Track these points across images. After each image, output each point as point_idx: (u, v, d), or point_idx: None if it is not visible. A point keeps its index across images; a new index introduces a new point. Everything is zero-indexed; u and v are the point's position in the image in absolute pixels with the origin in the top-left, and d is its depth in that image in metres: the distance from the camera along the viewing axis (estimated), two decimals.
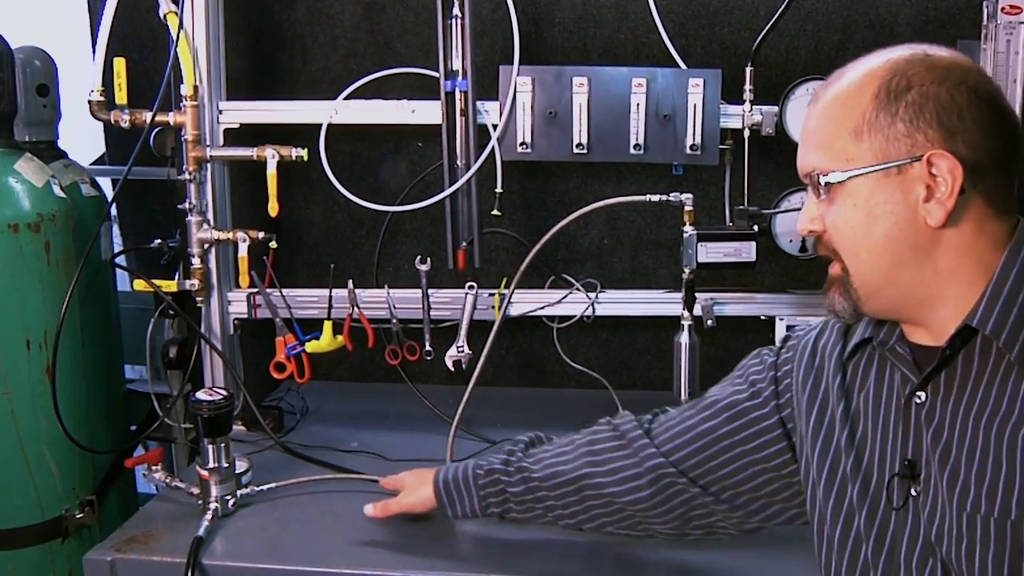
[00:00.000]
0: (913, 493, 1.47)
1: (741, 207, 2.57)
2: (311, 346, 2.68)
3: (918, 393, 1.47)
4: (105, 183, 2.95)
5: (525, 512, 1.99)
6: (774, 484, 1.75)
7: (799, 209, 2.57)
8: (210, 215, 2.65)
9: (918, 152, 1.40)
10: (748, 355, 1.85)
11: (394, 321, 2.73)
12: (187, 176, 2.59)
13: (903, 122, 1.41)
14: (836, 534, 1.56)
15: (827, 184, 1.47)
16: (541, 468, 1.96)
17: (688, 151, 2.59)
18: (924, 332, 1.49)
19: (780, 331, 2.66)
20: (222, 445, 2.19)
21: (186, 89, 2.56)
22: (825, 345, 1.68)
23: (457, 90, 2.59)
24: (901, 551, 1.47)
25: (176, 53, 2.53)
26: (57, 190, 2.48)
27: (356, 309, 2.69)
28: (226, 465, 2.20)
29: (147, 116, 2.54)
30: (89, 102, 2.53)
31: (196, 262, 2.64)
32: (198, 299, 2.67)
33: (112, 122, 2.54)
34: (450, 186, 2.63)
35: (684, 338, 2.33)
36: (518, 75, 2.60)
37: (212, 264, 2.68)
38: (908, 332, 1.52)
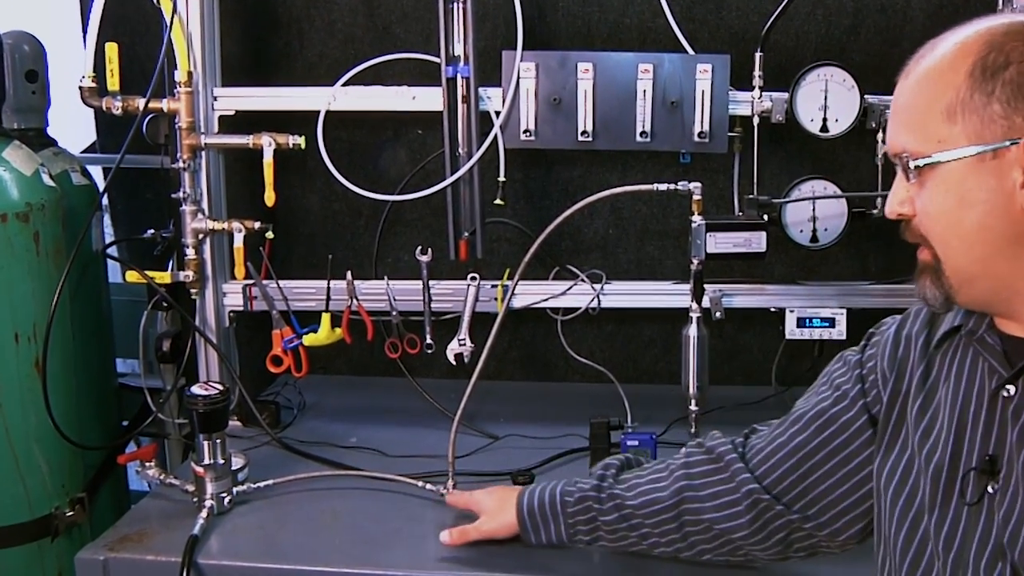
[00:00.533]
0: (990, 491, 1.41)
1: (751, 196, 2.56)
2: (309, 339, 2.67)
3: (1007, 386, 1.41)
4: (96, 172, 2.94)
5: (617, 540, 1.95)
6: (864, 488, 1.69)
7: (810, 198, 2.61)
8: (205, 204, 2.64)
9: (1015, 135, 1.33)
10: (832, 360, 1.80)
11: (394, 313, 2.73)
12: (181, 164, 2.58)
13: (1000, 103, 1.33)
14: (902, 533, 1.51)
15: (917, 168, 1.40)
16: (636, 495, 1.91)
17: (696, 139, 2.58)
18: (1017, 324, 1.43)
19: (790, 324, 2.66)
20: (217, 441, 2.18)
21: (180, 75, 2.55)
22: (909, 334, 1.63)
23: (459, 76, 2.59)
24: (970, 551, 1.42)
25: (170, 38, 2.52)
26: (47, 179, 2.47)
27: (355, 301, 2.69)
28: (222, 461, 2.19)
29: (140, 103, 2.53)
30: (80, 88, 2.53)
31: (190, 253, 2.63)
32: (192, 291, 2.67)
33: (104, 109, 2.53)
34: (451, 175, 2.63)
35: (692, 331, 2.32)
36: (521, 61, 2.59)
37: (207, 255, 2.67)
38: (1000, 323, 1.46)
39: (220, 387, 2.19)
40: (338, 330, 2.69)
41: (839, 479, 1.71)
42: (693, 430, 2.32)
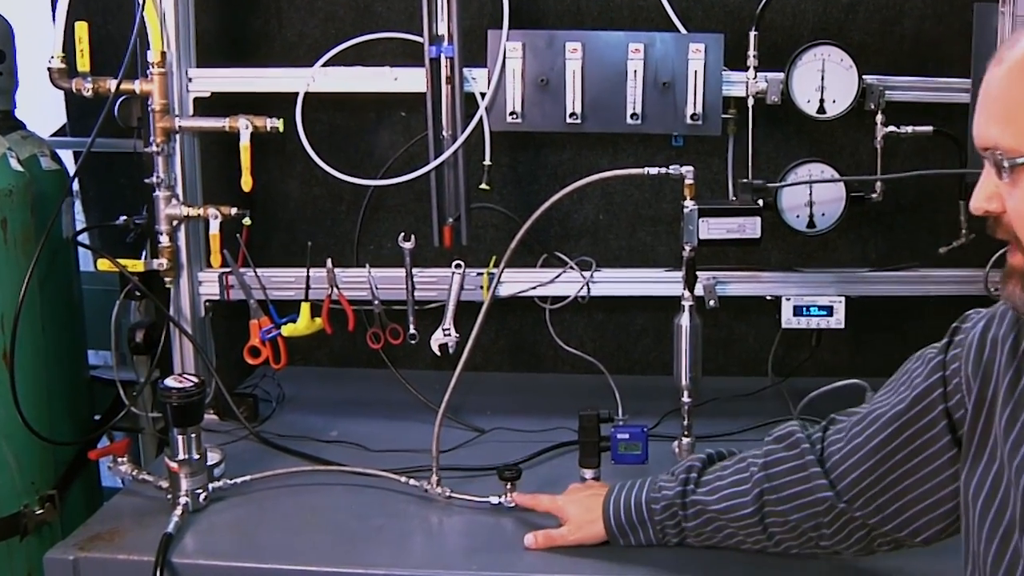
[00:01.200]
0: None
1: (745, 180, 2.56)
2: (287, 329, 2.67)
3: None
4: (66, 156, 2.91)
5: (706, 540, 1.97)
6: (957, 498, 1.62)
7: (807, 182, 2.60)
8: (179, 190, 2.62)
9: None
10: (910, 357, 1.76)
11: (376, 302, 2.72)
12: (154, 148, 2.57)
13: None
14: (991, 550, 1.45)
15: (1012, 166, 1.33)
16: (718, 500, 1.91)
17: (689, 121, 2.58)
18: None
19: (787, 312, 2.66)
20: (193, 435, 2.16)
21: (153, 55, 2.54)
22: (996, 337, 1.55)
23: (443, 56, 2.58)
24: None
25: (142, 16, 2.50)
26: (14, 163, 2.45)
27: (335, 290, 2.69)
28: (197, 457, 2.18)
29: (111, 84, 2.51)
30: (49, 69, 2.51)
31: (164, 240, 2.62)
32: (167, 280, 2.65)
33: (74, 91, 2.52)
34: (435, 158, 2.62)
35: (685, 320, 2.31)
36: (507, 40, 2.59)
37: (181, 242, 2.66)
38: None
39: (195, 379, 2.17)
40: (318, 320, 2.68)
41: (916, 484, 1.67)
42: (686, 422, 2.32)
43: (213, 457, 2.30)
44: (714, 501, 1.91)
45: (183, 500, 2.16)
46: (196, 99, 2.64)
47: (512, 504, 2.17)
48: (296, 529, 2.14)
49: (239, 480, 2.27)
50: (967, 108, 2.56)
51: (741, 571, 1.95)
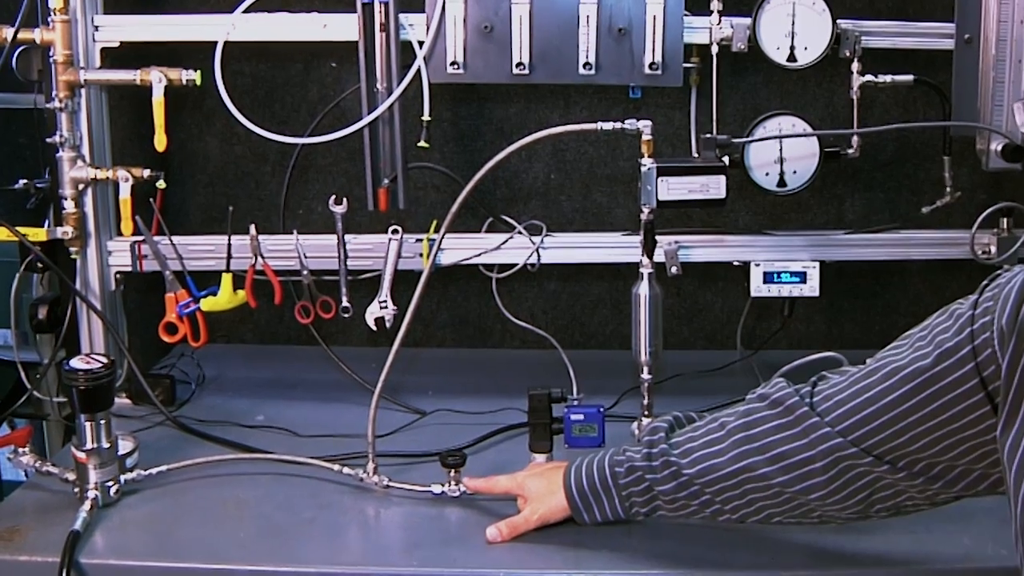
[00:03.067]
0: None
1: (709, 135, 2.55)
2: (207, 304, 2.66)
3: None
4: None
5: (678, 510, 1.95)
6: (977, 451, 1.65)
7: (775, 137, 2.60)
8: (85, 150, 2.61)
9: None
10: (935, 313, 1.74)
11: (305, 272, 2.71)
12: (57, 104, 2.54)
13: None
14: None
15: None
16: (691, 461, 1.89)
17: (647, 71, 2.57)
18: None
19: (756, 279, 2.66)
20: (102, 422, 2.14)
21: (54, 1, 2.50)
22: None
23: (376, 1, 2.56)
24: None
25: None
26: None
27: (260, 259, 2.67)
28: (107, 445, 2.15)
29: (8, 33, 2.48)
30: None
31: (69, 206, 2.60)
32: (72, 250, 2.63)
33: None
34: (369, 113, 2.60)
35: (644, 289, 2.31)
36: None
37: (88, 208, 2.64)
38: None
39: (105, 360, 2.15)
40: (241, 292, 2.67)
41: (936, 439, 1.67)
42: (646, 401, 2.31)
43: (125, 446, 2.27)
44: (687, 463, 1.89)
45: (92, 494, 2.13)
46: (103, 49, 2.61)
47: (457, 493, 2.17)
48: (218, 524, 2.13)
49: (154, 471, 2.25)
50: (951, 55, 2.56)
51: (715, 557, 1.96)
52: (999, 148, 2.53)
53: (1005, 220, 2.65)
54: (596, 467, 2.00)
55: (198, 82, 2.56)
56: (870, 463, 1.74)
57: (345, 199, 2.65)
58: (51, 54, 2.53)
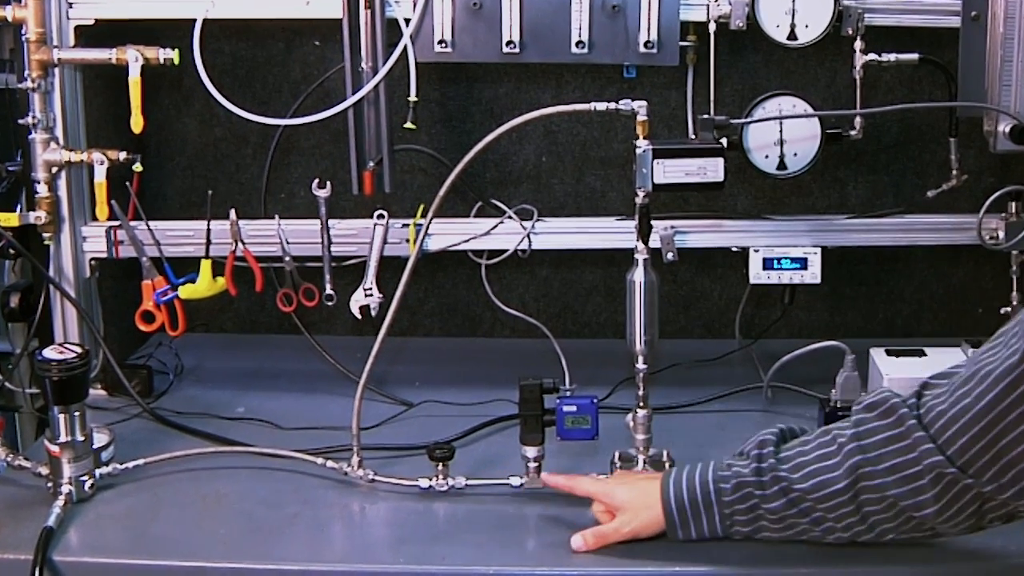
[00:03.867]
0: None
1: (706, 116, 2.55)
2: (185, 291, 2.65)
3: None
4: None
5: (784, 529, 1.92)
6: None
7: (776, 118, 2.59)
8: (59, 132, 2.61)
9: None
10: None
11: (287, 259, 2.71)
12: (30, 84, 2.54)
13: None
14: None
15: None
16: (803, 476, 1.87)
17: (642, 49, 2.57)
18: None
19: (756, 265, 2.66)
20: (76, 414, 2.14)
21: None
22: None
23: None
24: None
25: None
26: None
27: (240, 245, 2.67)
28: (82, 439, 2.15)
29: None
30: None
31: (42, 190, 2.60)
32: (45, 235, 2.63)
33: None
34: (354, 94, 2.60)
35: (639, 275, 2.29)
36: None
37: (62, 192, 2.64)
38: None
39: (79, 350, 2.15)
40: (221, 280, 2.67)
41: None
42: (641, 392, 2.30)
43: (100, 439, 2.27)
44: (799, 478, 1.87)
45: (66, 489, 2.13)
46: (78, 27, 2.61)
47: (445, 487, 2.17)
48: (197, 520, 2.13)
49: (131, 465, 2.25)
50: (957, 33, 2.56)
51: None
52: (1007, 129, 2.53)
53: (1013, 204, 2.65)
54: (699, 481, 1.96)
55: (176, 61, 2.56)
56: (971, 483, 1.73)
57: (329, 183, 2.65)
58: (23, 32, 2.53)
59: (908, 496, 1.79)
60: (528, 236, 2.70)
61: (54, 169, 2.59)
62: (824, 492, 1.85)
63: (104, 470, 2.21)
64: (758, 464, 1.91)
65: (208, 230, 2.65)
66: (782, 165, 2.64)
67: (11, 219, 2.56)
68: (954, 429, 1.72)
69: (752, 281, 2.68)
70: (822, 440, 1.89)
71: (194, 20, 2.59)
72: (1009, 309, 2.70)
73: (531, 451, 2.22)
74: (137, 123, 2.55)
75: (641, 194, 2.22)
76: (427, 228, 2.49)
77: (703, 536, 1.96)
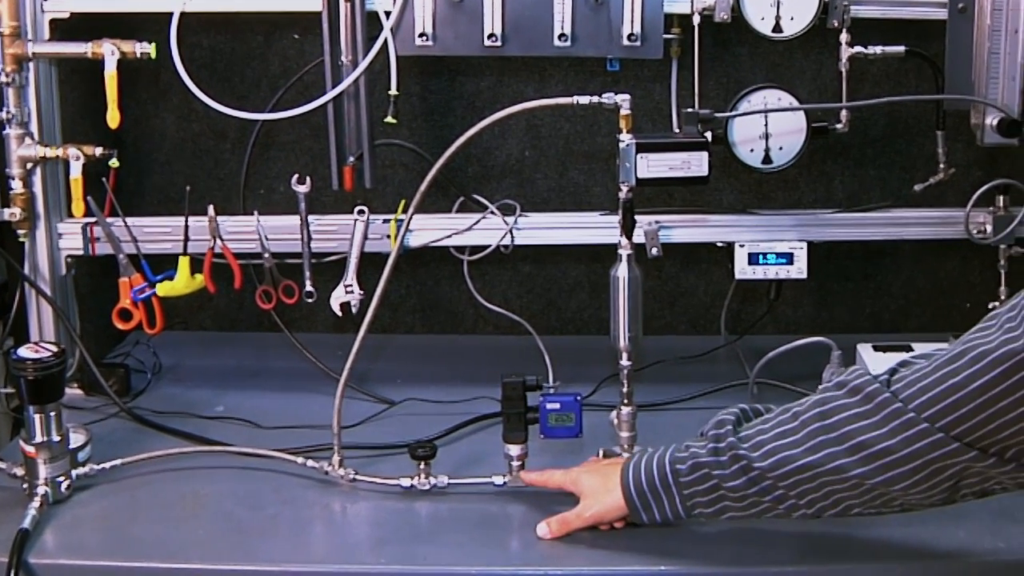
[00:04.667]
0: None
1: (691, 110, 2.55)
2: (163, 288, 2.65)
3: None
4: None
5: (747, 508, 1.91)
6: None
7: (760, 111, 2.59)
8: (34, 127, 2.60)
9: None
10: (1019, 293, 1.71)
11: (266, 256, 2.70)
12: (4, 79, 2.53)
13: None
14: None
15: None
16: (763, 454, 1.86)
17: (625, 42, 2.58)
18: None
19: (741, 261, 2.66)
20: (52, 414, 2.13)
21: None
22: None
23: None
24: None
25: None
26: None
27: (219, 242, 2.67)
28: (58, 439, 2.15)
29: None
30: None
31: (17, 186, 2.59)
32: (20, 232, 2.63)
33: None
34: (333, 88, 2.60)
35: (622, 271, 2.29)
36: None
37: (37, 188, 2.63)
38: None
39: (55, 348, 2.14)
40: (199, 277, 2.66)
41: None
42: (625, 389, 2.30)
43: (77, 439, 2.26)
44: (759, 456, 1.86)
45: (41, 490, 2.13)
46: (53, 20, 2.60)
47: (426, 486, 2.16)
48: (176, 521, 2.12)
49: (108, 465, 2.24)
50: (944, 26, 2.56)
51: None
52: (995, 122, 2.53)
53: (1001, 198, 2.66)
54: (656, 464, 1.97)
55: (153, 55, 2.55)
56: (957, 449, 1.70)
57: (308, 178, 2.64)
58: None
59: (876, 473, 1.76)
60: (511, 232, 2.70)
61: (29, 165, 2.58)
62: (785, 469, 1.83)
63: (81, 471, 2.20)
64: (715, 444, 1.90)
65: (186, 226, 2.64)
66: (767, 159, 2.64)
67: None
68: (943, 402, 1.69)
69: (738, 276, 2.69)
70: (782, 418, 1.88)
71: (171, 13, 2.58)
72: (997, 304, 2.70)
73: (514, 449, 2.21)
74: (114, 118, 2.54)
75: (625, 189, 2.22)
76: (408, 224, 2.47)
77: (667, 518, 1.97)
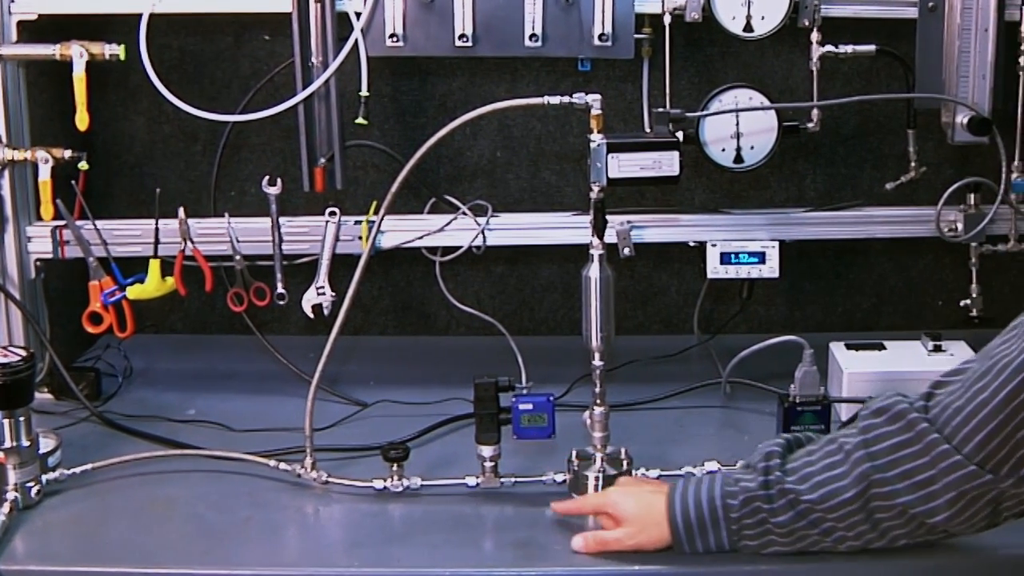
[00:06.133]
0: None
1: (662, 110, 2.55)
2: (134, 291, 2.63)
3: None
4: None
5: (794, 542, 1.90)
6: None
7: (732, 111, 2.59)
8: (1, 130, 2.59)
9: None
10: None
11: (237, 258, 2.70)
12: None
13: None
14: None
15: None
16: (811, 487, 1.86)
17: (596, 42, 2.58)
18: None
19: (713, 260, 2.66)
20: (21, 419, 2.12)
21: None
22: None
23: None
24: None
25: None
26: None
27: (189, 244, 2.66)
28: (27, 444, 2.14)
29: None
30: None
31: None
32: None
33: None
34: (304, 89, 2.59)
35: (594, 271, 2.29)
36: None
37: (5, 191, 2.62)
38: None
39: (24, 353, 2.13)
40: (170, 279, 2.65)
41: None
42: (598, 389, 2.30)
43: (47, 443, 2.26)
44: (806, 489, 1.86)
45: (11, 495, 2.12)
46: (20, 22, 2.59)
47: (399, 488, 2.16)
48: (147, 525, 2.12)
49: (78, 470, 2.24)
50: (914, 24, 2.57)
51: None
52: (965, 120, 2.55)
53: (972, 196, 2.67)
54: (706, 497, 1.95)
55: (122, 57, 2.54)
56: (991, 481, 1.73)
57: (279, 179, 2.64)
58: None
59: (919, 503, 1.79)
60: (483, 232, 2.70)
61: None
62: (833, 502, 1.84)
63: (51, 476, 2.20)
64: (765, 477, 1.90)
65: (156, 229, 2.63)
66: (739, 158, 2.64)
67: None
68: (971, 425, 1.71)
69: (710, 276, 2.69)
70: (828, 449, 1.88)
71: (140, 15, 2.57)
72: (969, 301, 2.72)
73: (487, 450, 2.21)
74: (82, 120, 2.53)
75: (596, 189, 2.22)
76: (379, 225, 2.47)
77: (710, 550, 1.95)
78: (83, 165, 2.57)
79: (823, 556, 1.90)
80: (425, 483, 2.19)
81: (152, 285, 2.63)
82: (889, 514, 1.83)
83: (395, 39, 2.59)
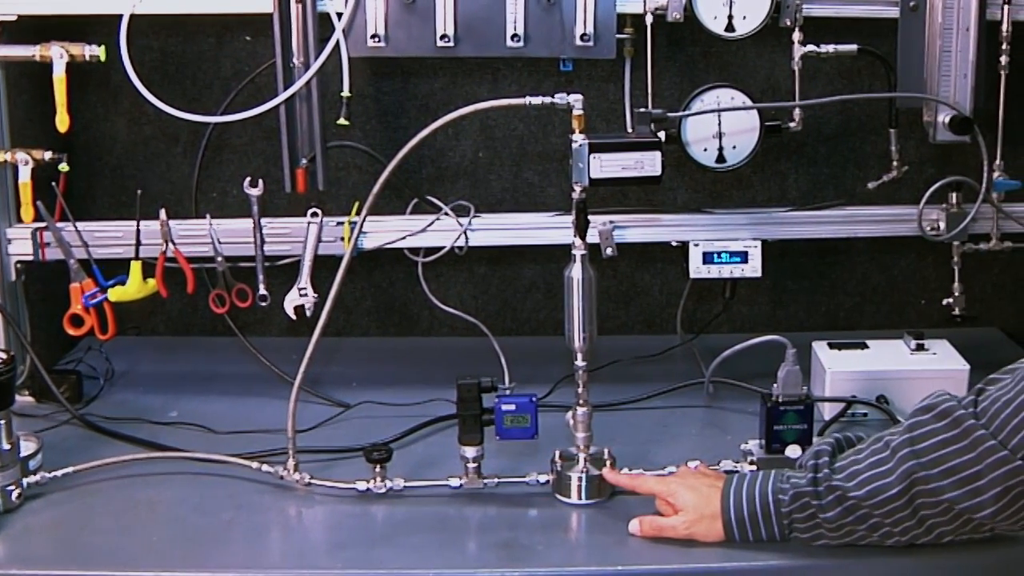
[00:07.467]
0: None
1: (644, 109, 2.54)
2: (115, 293, 2.63)
3: None
4: None
5: (843, 536, 1.94)
6: None
7: (714, 111, 2.59)
8: None
9: None
10: None
11: (219, 259, 2.69)
12: None
13: None
14: None
15: None
16: (858, 484, 1.89)
17: (578, 42, 2.57)
18: None
19: (696, 260, 2.66)
20: (2, 422, 2.12)
21: None
22: None
23: None
24: None
25: None
26: None
27: (171, 246, 2.65)
28: (8, 447, 2.14)
29: None
30: None
31: None
32: None
33: None
34: (285, 90, 2.58)
35: (576, 271, 2.29)
36: None
37: None
38: None
39: (4, 355, 2.13)
40: (151, 281, 2.65)
41: None
42: (581, 389, 2.30)
43: (28, 447, 2.25)
44: (853, 486, 1.89)
45: None
46: (0, 23, 2.57)
47: (383, 490, 2.15)
48: (129, 528, 2.11)
49: (59, 473, 2.23)
50: (896, 24, 2.57)
51: None
52: (946, 120, 2.55)
53: (954, 195, 2.67)
54: (759, 493, 2.00)
55: (103, 58, 2.54)
56: None
57: (261, 181, 2.64)
58: None
59: (965, 498, 1.80)
60: (465, 233, 2.70)
61: None
62: (879, 498, 1.87)
63: (32, 479, 2.19)
64: (814, 475, 1.94)
65: (138, 231, 2.63)
66: (721, 158, 2.64)
67: None
68: (1021, 416, 1.72)
69: (692, 276, 2.69)
70: (875, 447, 1.91)
71: (121, 15, 2.56)
72: (951, 300, 2.72)
73: (470, 451, 2.21)
74: (63, 122, 2.53)
75: (578, 189, 2.22)
76: (362, 226, 2.47)
77: (760, 540, 2.00)
78: (63, 167, 2.57)
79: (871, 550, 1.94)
80: (408, 484, 2.18)
81: (134, 287, 2.62)
82: (935, 511, 1.84)
83: (377, 39, 2.58)
